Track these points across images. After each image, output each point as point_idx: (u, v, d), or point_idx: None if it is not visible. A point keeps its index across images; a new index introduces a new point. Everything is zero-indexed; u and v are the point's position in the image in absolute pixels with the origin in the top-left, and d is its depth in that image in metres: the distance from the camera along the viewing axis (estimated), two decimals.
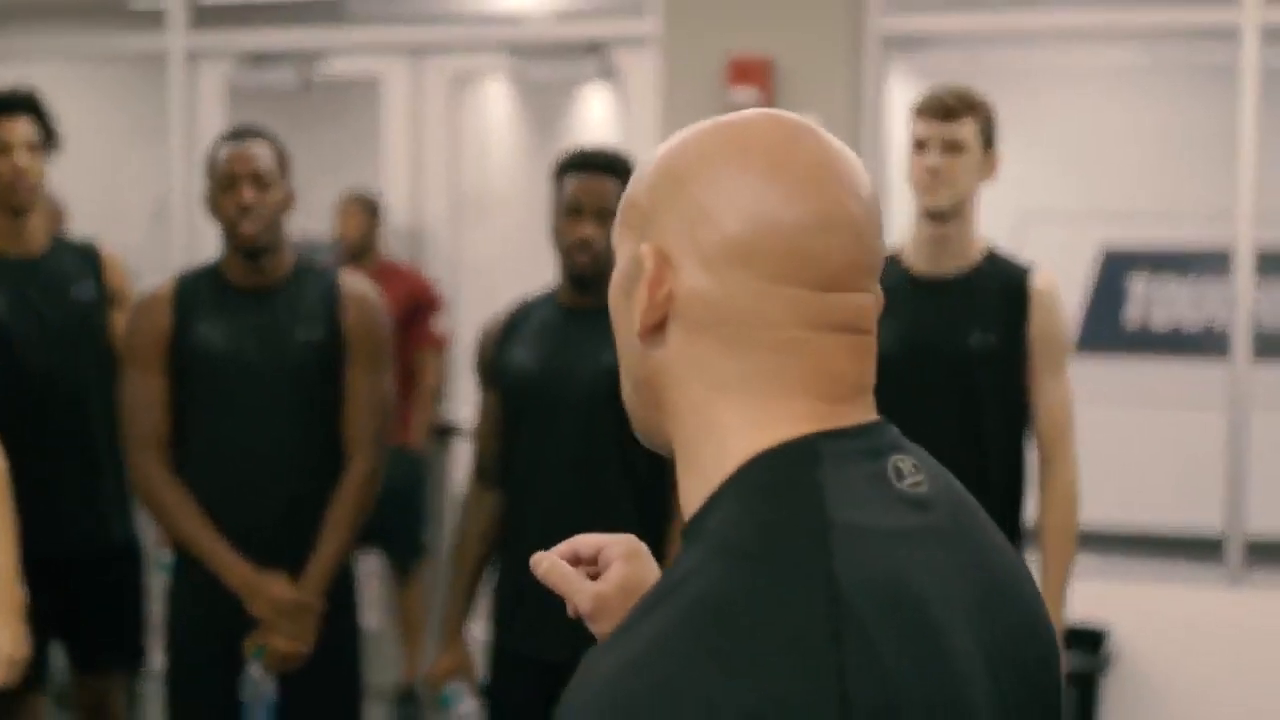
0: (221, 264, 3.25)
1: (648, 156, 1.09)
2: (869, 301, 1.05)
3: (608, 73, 5.41)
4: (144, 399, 3.19)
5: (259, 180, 3.15)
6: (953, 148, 3.02)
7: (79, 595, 3.61)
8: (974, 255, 3.14)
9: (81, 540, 3.59)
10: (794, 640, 0.91)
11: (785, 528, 0.96)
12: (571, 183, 3.07)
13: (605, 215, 3.03)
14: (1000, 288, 3.10)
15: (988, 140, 3.07)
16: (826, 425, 1.02)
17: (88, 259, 3.64)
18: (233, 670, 3.17)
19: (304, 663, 3.15)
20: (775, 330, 1.01)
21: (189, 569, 3.18)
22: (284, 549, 3.15)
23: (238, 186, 3.14)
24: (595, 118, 6.40)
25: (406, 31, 5.81)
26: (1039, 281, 3.10)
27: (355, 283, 3.30)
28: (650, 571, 1.25)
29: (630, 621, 0.95)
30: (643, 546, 1.26)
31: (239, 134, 3.25)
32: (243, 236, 3.15)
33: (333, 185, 5.63)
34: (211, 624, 3.18)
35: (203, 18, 5.76)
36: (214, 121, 5.58)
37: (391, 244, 5.62)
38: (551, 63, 5.49)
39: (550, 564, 1.24)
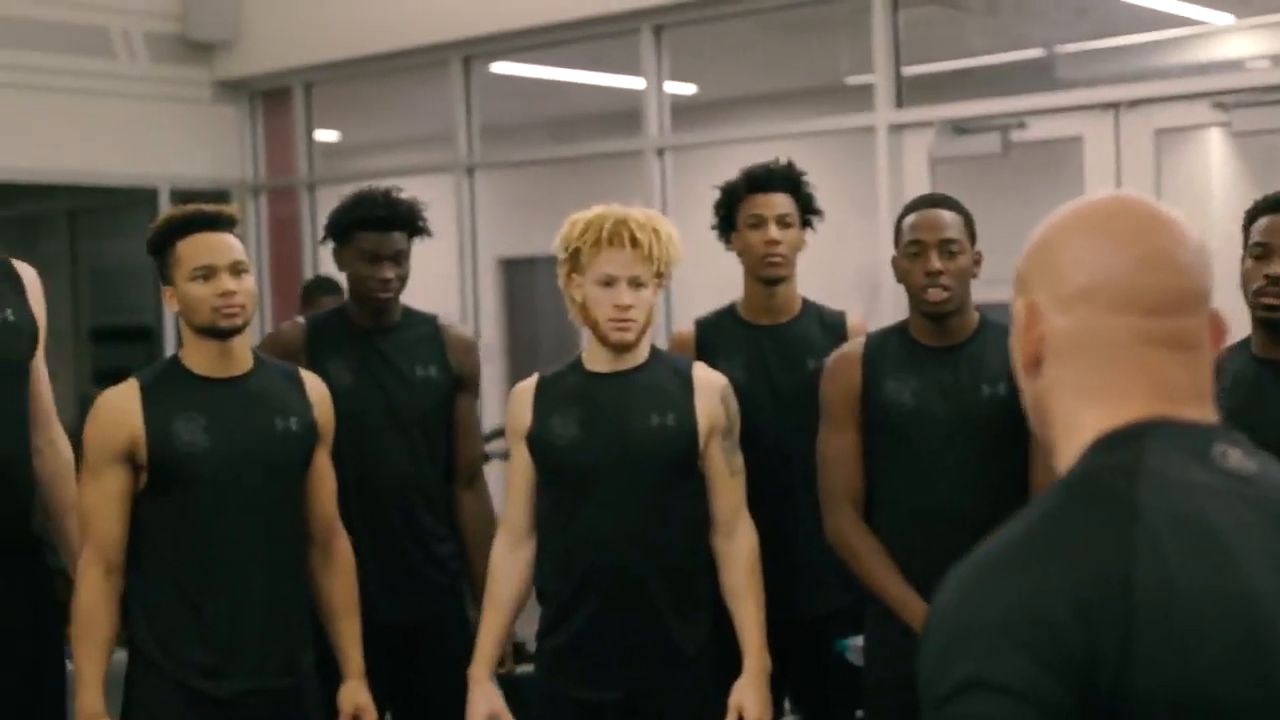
0: (909, 324, 3.38)
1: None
2: (1195, 324, 1.34)
3: None
4: (838, 453, 3.35)
5: (945, 247, 3.27)
6: None
7: (816, 653, 3.68)
8: None
9: (814, 603, 3.69)
10: (1093, 539, 1.23)
11: (1102, 470, 1.29)
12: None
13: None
14: None
15: None
16: (1156, 417, 1.31)
17: (830, 328, 3.74)
18: None
19: None
20: (1118, 349, 1.33)
21: (881, 619, 3.32)
22: None
23: (925, 254, 3.26)
24: None
25: (1106, 89, 5.77)
26: None
27: None
28: None
29: (983, 542, 1.30)
30: None
31: (925, 202, 3.37)
32: (929, 303, 3.27)
33: None
34: (907, 674, 3.29)
35: (911, 88, 6.00)
36: (919, 191, 5.77)
37: None
38: (1265, 110, 5.27)
39: None
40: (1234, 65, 7.29)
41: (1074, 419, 1.35)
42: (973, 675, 1.20)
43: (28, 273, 3.49)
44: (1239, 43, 7.47)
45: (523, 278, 10.93)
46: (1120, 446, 1.30)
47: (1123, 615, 1.19)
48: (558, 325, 10.89)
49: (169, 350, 7.65)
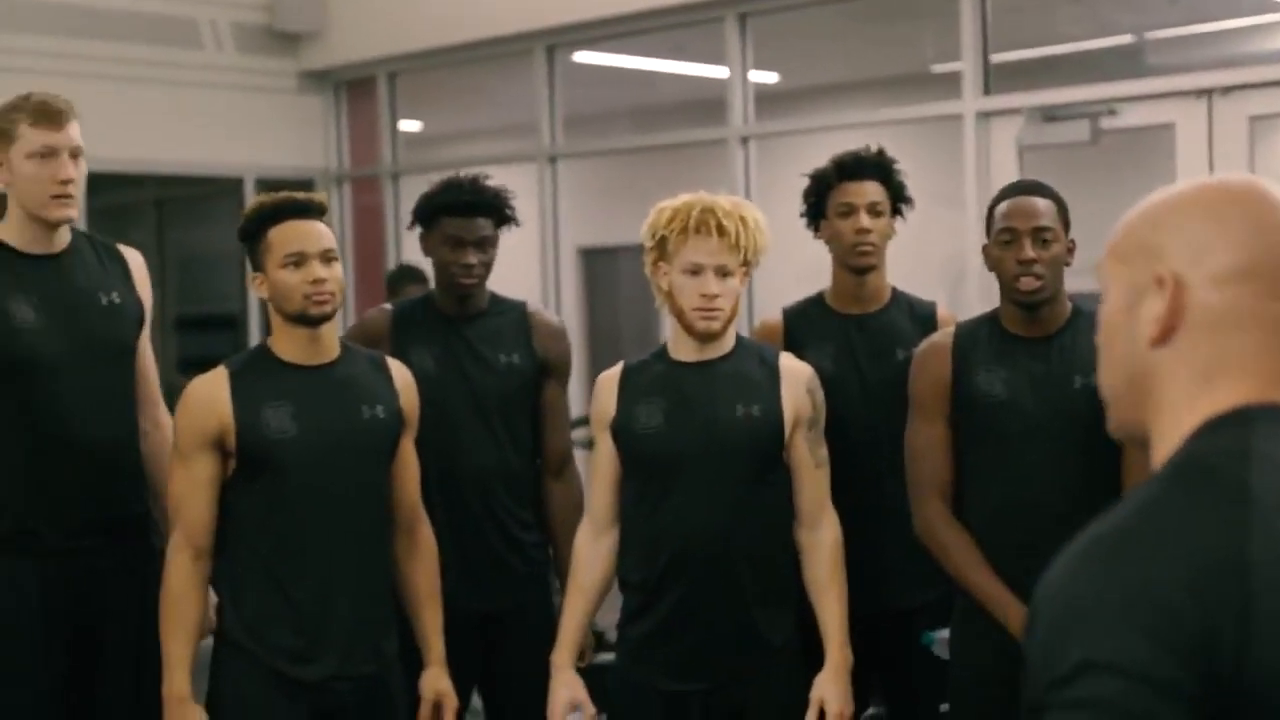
0: (1000, 313, 3.33)
1: (1139, 206, 1.41)
2: None
3: None
4: (927, 445, 3.31)
5: (1039, 235, 3.21)
6: None
7: (902, 646, 3.65)
8: None
9: (901, 596, 3.65)
10: (1207, 522, 1.23)
11: (1211, 453, 1.29)
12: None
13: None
14: None
15: None
16: (1266, 402, 1.32)
17: (920, 319, 3.70)
18: (1014, 713, 3.22)
19: None
20: (1264, 333, 1.32)
21: (969, 613, 3.27)
22: None
23: (1019, 241, 3.21)
24: None
25: (1199, 75, 5.66)
26: None
27: None
28: None
29: (1091, 524, 1.29)
30: None
31: (1019, 188, 3.32)
32: (1022, 292, 3.21)
33: None
34: (994, 668, 3.25)
35: (1006, 73, 5.93)
36: (1006, 179, 5.69)
37: None
38: None
39: None
40: None
41: (1188, 396, 1.34)
42: (1091, 657, 1.19)
43: (134, 257, 3.56)
44: None
45: (604, 267, 10.93)
46: (1227, 429, 1.30)
47: (1240, 598, 1.19)
48: (639, 316, 10.89)
49: (254, 339, 7.72)
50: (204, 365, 3.31)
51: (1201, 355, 1.33)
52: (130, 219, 8.93)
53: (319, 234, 3.19)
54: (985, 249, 3.30)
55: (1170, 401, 1.35)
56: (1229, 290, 1.32)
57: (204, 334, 8.60)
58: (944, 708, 3.48)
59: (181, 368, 7.77)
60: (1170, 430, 1.34)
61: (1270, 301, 1.32)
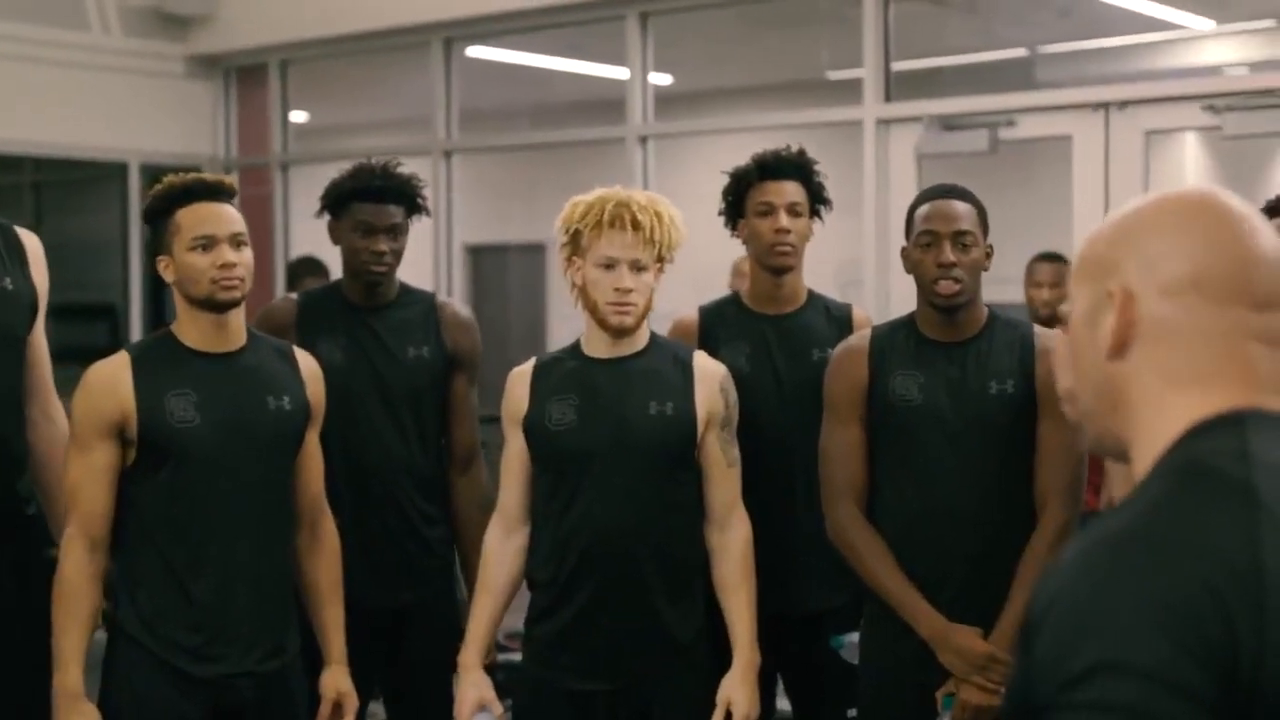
0: (917, 317, 3.32)
1: (1102, 223, 1.42)
2: None
3: None
4: (841, 448, 3.29)
5: (959, 239, 3.21)
6: None
7: (810, 649, 3.62)
8: None
9: (811, 598, 3.62)
10: (1218, 526, 1.21)
11: (1210, 455, 1.28)
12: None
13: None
14: None
15: None
16: (1250, 407, 1.32)
17: (836, 320, 3.68)
18: (924, 718, 3.23)
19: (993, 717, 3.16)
20: (1217, 340, 1.33)
21: (878, 617, 3.27)
22: (972, 603, 3.17)
23: (939, 245, 3.20)
24: None
25: (1097, 89, 5.75)
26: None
27: (1049, 337, 3.28)
28: None
29: (1092, 526, 1.28)
30: None
31: (939, 191, 3.31)
32: (941, 295, 3.21)
33: (1025, 247, 5.62)
34: (903, 672, 3.25)
35: (897, 83, 5.96)
36: (904, 186, 5.73)
37: None
38: (1256, 114, 5.26)
39: None
40: (1214, 70, 7.30)
41: (1160, 404, 1.34)
42: (1106, 658, 1.17)
43: (30, 240, 3.41)
44: (1220, 48, 7.48)
45: (493, 266, 10.84)
46: (1219, 432, 1.30)
47: (1257, 602, 1.18)
48: (528, 315, 10.78)
49: (134, 330, 7.53)
50: (80, 356, 3.21)
51: (1163, 364, 1.34)
52: (7, 202, 8.66)
53: (229, 217, 3.11)
54: (904, 251, 3.29)
55: (1141, 411, 1.36)
56: (1179, 300, 1.33)
57: (81, 324, 8.37)
58: (851, 713, 3.47)
59: (56, 358, 7.54)
60: (1148, 439, 1.35)
61: (1221, 307, 1.33)
